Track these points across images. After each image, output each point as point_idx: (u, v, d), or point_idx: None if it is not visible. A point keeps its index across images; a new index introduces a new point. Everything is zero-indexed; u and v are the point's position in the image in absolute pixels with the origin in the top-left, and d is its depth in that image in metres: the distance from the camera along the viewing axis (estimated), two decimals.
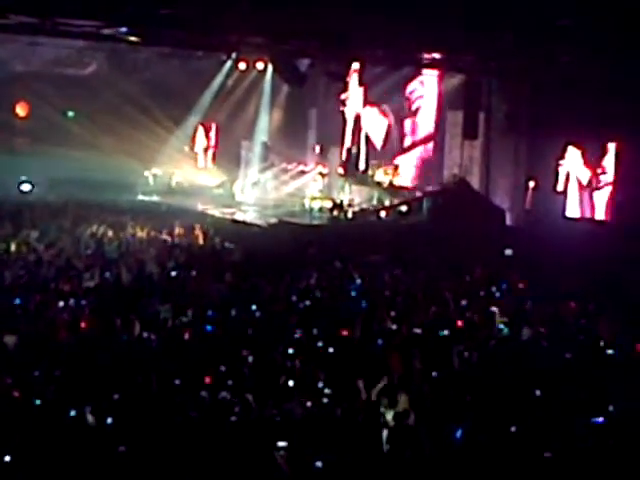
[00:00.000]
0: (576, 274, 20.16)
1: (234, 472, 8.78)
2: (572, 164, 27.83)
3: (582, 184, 27.62)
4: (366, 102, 35.58)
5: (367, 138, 35.74)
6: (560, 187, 28.24)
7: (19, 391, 10.59)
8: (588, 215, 27.59)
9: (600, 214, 27.16)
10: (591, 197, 27.47)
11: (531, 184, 28.83)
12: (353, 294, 18.52)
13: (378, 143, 35.80)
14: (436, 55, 28.73)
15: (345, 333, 14.62)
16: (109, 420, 9.87)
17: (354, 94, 35.60)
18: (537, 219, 28.34)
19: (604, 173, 26.89)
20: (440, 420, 10.36)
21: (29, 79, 36.67)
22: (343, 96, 35.71)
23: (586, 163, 27.35)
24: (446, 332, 14.96)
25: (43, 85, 36.41)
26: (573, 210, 28.07)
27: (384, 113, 35.68)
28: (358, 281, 19.77)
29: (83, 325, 14.32)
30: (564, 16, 21.05)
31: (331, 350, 13.61)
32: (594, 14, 19.85)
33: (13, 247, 21.64)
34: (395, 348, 13.51)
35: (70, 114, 38.41)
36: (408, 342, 14.23)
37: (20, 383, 10.87)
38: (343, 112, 36.20)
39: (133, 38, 27.52)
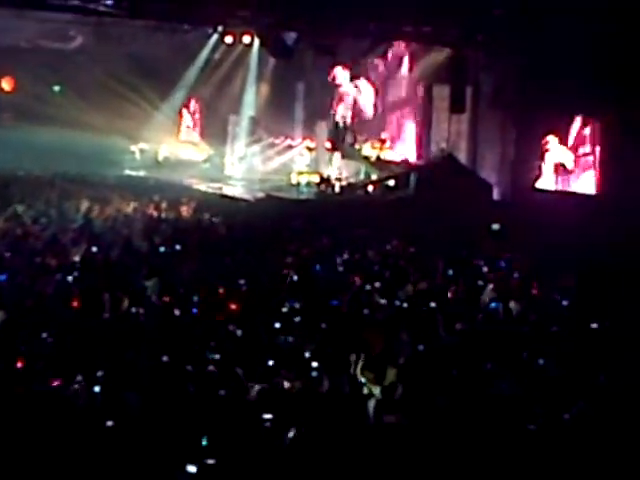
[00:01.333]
0: (565, 250, 20.23)
1: (222, 445, 8.81)
2: (555, 146, 27.89)
3: (564, 166, 27.73)
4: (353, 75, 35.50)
5: (355, 110, 35.71)
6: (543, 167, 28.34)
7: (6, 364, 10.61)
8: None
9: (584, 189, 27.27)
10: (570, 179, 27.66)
11: None
12: (340, 269, 18.57)
13: (369, 112, 35.85)
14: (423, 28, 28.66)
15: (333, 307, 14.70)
16: (96, 389, 9.90)
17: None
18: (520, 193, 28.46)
19: (590, 149, 26.93)
20: (427, 392, 10.42)
21: (14, 53, 36.34)
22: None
23: (577, 136, 27.34)
24: (433, 304, 15.01)
25: (28, 59, 36.12)
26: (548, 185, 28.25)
27: (372, 83, 35.76)
28: (345, 255, 19.80)
29: (71, 300, 14.32)
30: None
31: (318, 324, 13.64)
32: None
33: (1, 223, 21.58)
34: (381, 322, 13.57)
35: (56, 88, 38.14)
36: (395, 315, 14.30)
37: (7, 356, 10.88)
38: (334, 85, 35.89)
39: (118, 11, 27.35)
